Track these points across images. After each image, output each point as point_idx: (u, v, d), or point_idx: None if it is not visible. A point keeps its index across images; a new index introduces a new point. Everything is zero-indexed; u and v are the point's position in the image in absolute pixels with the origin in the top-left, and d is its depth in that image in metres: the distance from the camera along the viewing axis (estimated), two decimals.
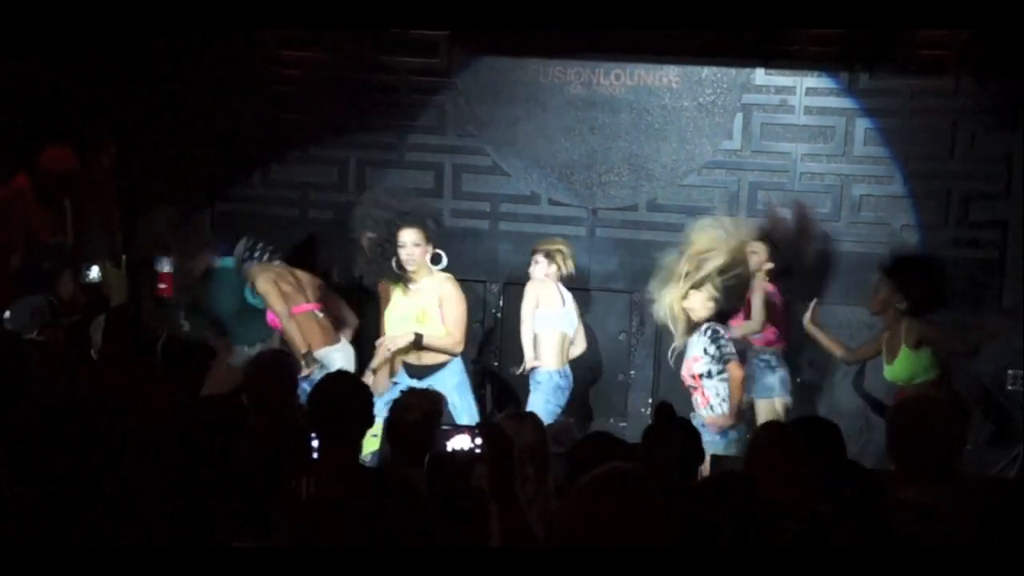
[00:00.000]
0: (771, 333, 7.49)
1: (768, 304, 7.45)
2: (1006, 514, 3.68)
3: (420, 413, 4.63)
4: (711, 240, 7.47)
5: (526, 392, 7.56)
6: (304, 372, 6.86)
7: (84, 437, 3.89)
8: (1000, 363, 7.90)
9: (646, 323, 8.41)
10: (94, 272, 7.34)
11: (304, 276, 7.68)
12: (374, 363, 7.09)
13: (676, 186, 8.51)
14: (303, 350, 7.25)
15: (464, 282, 7.37)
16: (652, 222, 8.53)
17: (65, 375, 5.61)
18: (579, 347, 7.73)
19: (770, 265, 7.52)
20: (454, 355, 6.92)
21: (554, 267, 7.61)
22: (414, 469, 4.32)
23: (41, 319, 6.51)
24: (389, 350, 7.00)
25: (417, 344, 6.86)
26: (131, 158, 8.34)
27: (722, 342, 7.04)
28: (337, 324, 7.69)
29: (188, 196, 8.49)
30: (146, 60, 8.57)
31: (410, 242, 6.91)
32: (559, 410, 7.44)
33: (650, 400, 8.34)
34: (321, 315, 7.54)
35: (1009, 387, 7.82)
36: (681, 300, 7.19)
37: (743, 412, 7.16)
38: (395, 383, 6.95)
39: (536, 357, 7.48)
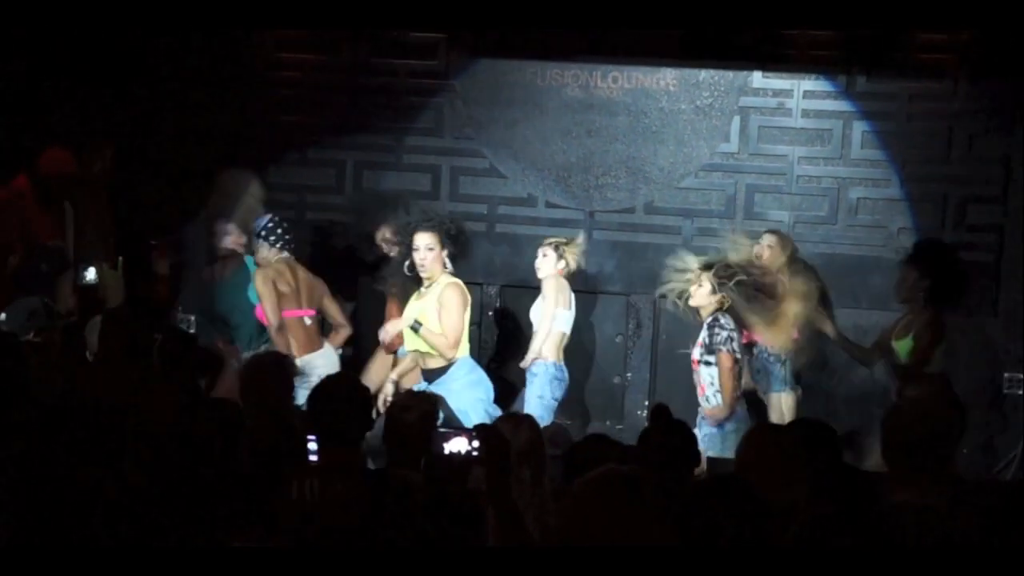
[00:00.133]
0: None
1: None
2: (1004, 516, 3.67)
3: (418, 413, 4.63)
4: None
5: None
6: None
7: (81, 438, 3.89)
8: (997, 367, 7.93)
9: (642, 326, 8.42)
10: (90, 274, 7.32)
11: (305, 277, 7.60)
12: (395, 373, 7.07)
13: (673, 189, 8.52)
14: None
15: None
16: (649, 225, 8.55)
17: (61, 376, 5.60)
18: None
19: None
20: (446, 358, 6.88)
21: (563, 262, 7.62)
22: (412, 471, 4.32)
23: (37, 321, 6.49)
24: (388, 332, 7.09)
25: (415, 331, 6.83)
26: (129, 159, 8.33)
27: (716, 331, 6.93)
28: (325, 330, 7.67)
29: (186, 197, 8.50)
30: (145, 61, 8.58)
31: (423, 245, 6.84)
32: (555, 403, 7.43)
33: (646, 403, 8.34)
34: (310, 322, 7.49)
35: (1006, 391, 7.84)
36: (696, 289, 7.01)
37: (736, 405, 6.98)
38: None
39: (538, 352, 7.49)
